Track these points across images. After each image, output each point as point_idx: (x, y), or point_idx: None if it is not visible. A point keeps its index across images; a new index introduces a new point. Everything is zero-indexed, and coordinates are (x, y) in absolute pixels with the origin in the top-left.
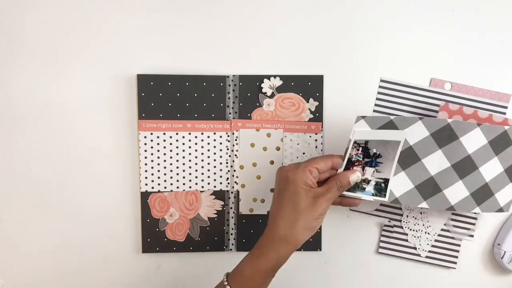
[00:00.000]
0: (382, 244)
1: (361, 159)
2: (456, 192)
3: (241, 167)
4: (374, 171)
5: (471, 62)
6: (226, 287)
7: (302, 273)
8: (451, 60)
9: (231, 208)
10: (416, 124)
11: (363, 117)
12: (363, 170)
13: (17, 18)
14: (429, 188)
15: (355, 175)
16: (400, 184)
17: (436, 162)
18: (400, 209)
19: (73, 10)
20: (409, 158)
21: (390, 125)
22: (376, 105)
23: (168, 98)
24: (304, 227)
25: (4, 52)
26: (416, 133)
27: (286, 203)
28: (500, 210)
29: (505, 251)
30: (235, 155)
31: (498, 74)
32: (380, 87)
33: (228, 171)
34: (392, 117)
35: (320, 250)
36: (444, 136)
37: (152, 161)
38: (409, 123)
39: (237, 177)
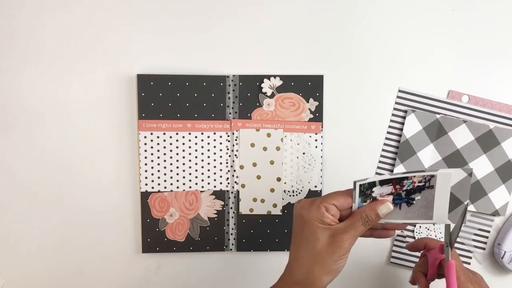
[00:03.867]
0: (394, 254)
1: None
2: None
3: (241, 167)
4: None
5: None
6: None
7: None
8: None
9: (231, 208)
10: (409, 117)
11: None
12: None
13: (18, 19)
14: None
15: (385, 207)
16: None
17: (429, 156)
18: None
19: (74, 11)
20: (405, 151)
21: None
22: (393, 115)
23: (168, 98)
24: (322, 271)
25: (5, 53)
26: (411, 126)
27: (302, 245)
28: (496, 213)
29: (505, 251)
30: (235, 155)
31: None
32: (398, 97)
33: (228, 171)
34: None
35: None
36: (435, 131)
37: (152, 161)
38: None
39: (237, 177)
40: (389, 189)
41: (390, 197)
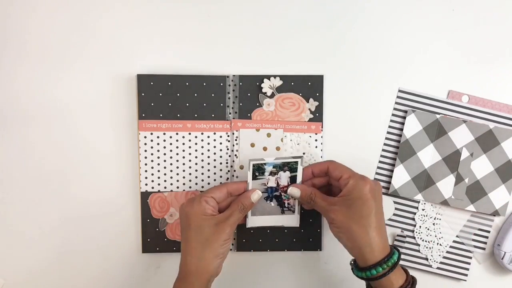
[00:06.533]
0: None
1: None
2: (448, 186)
3: (241, 167)
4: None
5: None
6: None
7: (302, 273)
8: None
9: None
10: (409, 117)
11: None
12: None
13: (18, 19)
14: (424, 180)
15: (256, 194)
16: (399, 176)
17: (429, 155)
18: (413, 219)
19: (74, 11)
20: (405, 151)
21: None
22: (393, 115)
23: (168, 98)
24: (212, 256)
25: (5, 53)
26: (411, 126)
27: (192, 238)
28: (496, 213)
29: (505, 252)
30: (235, 155)
31: None
32: (398, 97)
33: (228, 171)
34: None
35: (321, 250)
36: (435, 131)
37: (152, 161)
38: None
39: (237, 177)
40: (273, 183)
41: (264, 187)
